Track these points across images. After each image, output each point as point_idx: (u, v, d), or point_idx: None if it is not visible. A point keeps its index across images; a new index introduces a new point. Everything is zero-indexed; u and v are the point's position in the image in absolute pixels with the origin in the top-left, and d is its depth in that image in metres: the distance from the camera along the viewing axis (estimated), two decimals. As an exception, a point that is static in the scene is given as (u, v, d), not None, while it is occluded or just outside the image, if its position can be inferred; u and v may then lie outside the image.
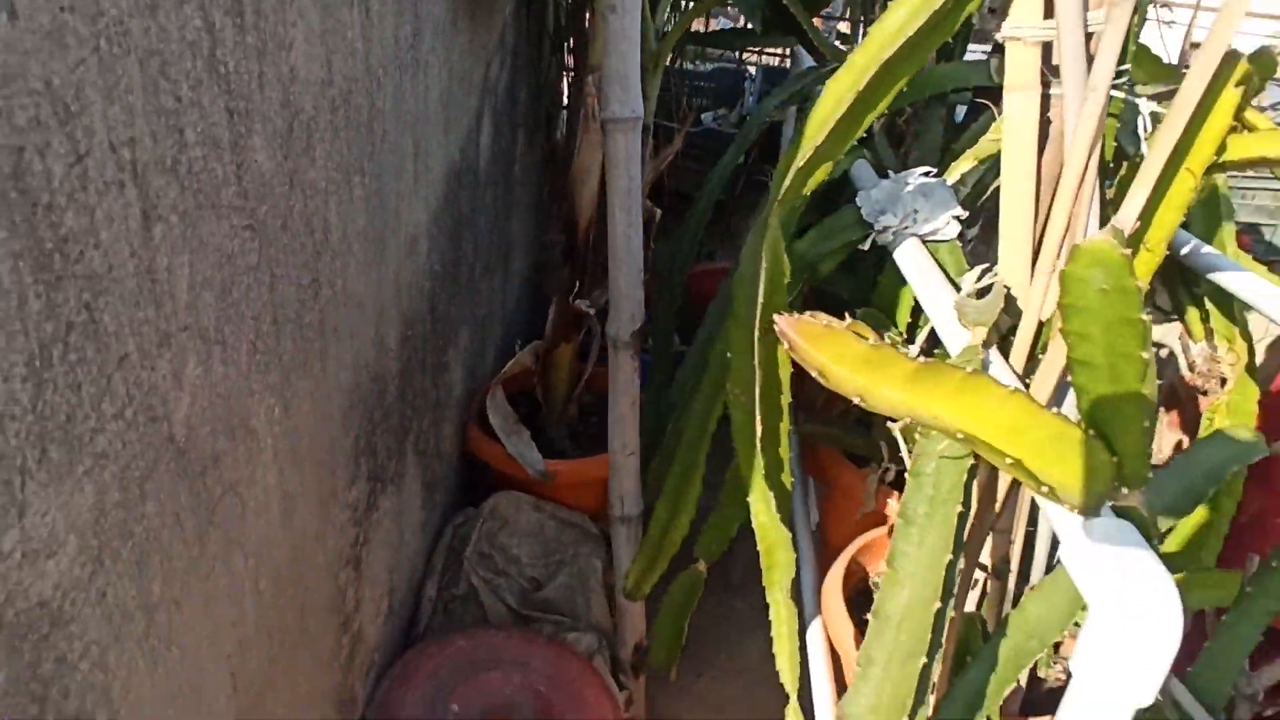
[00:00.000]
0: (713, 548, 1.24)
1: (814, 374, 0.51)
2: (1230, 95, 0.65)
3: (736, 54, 3.04)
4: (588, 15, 1.66)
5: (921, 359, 0.49)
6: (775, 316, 0.50)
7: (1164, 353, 1.76)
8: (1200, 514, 1.26)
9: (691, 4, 1.85)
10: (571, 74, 2.38)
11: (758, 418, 0.90)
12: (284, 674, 0.99)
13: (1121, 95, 0.79)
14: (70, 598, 0.56)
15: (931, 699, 0.59)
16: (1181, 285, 1.38)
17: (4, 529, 0.49)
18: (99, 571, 0.59)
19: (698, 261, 2.25)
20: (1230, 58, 0.62)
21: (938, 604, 0.57)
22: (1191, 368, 1.57)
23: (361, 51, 0.96)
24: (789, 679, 1.02)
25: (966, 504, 0.60)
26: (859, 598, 1.46)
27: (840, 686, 1.45)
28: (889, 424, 0.84)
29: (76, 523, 0.56)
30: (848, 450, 1.65)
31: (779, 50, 2.90)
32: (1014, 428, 0.50)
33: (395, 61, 1.09)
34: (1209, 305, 1.31)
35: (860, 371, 0.49)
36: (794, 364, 0.89)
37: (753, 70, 2.87)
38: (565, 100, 2.66)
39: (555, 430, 1.91)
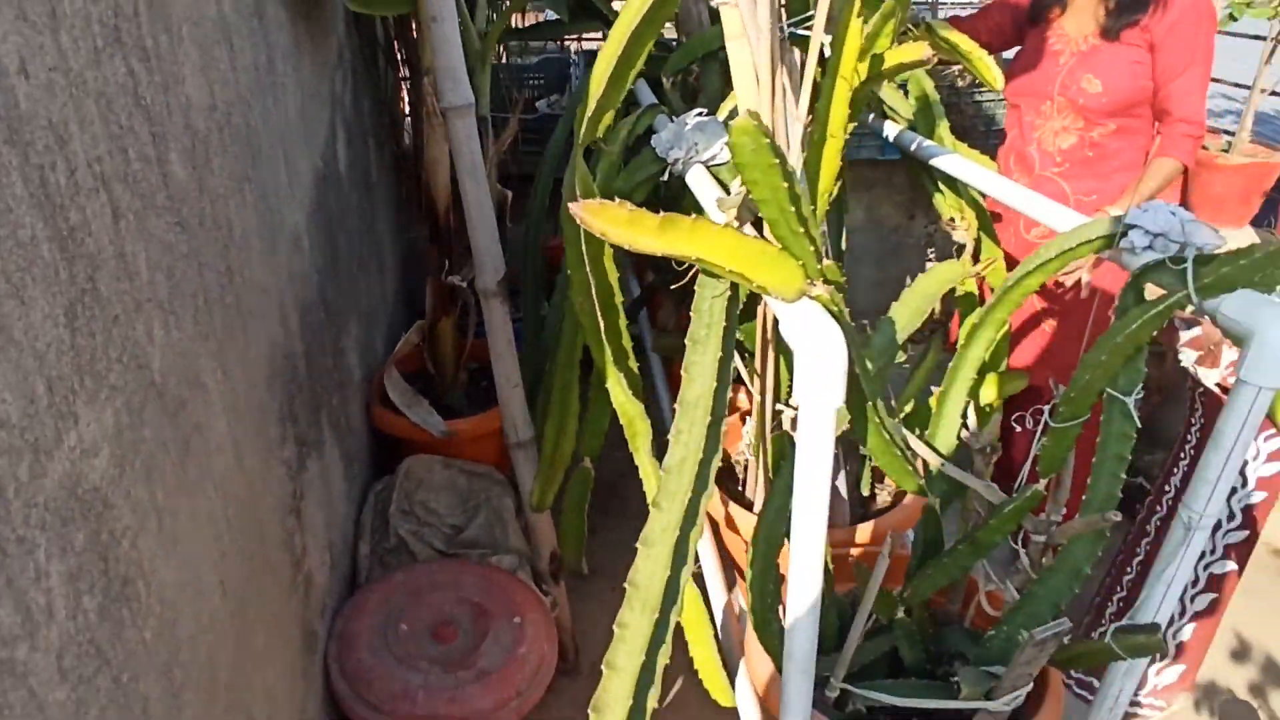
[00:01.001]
0: (592, 444, 1.50)
1: (599, 235, 0.78)
2: (855, 25, 0.96)
3: (559, 44, 3.31)
4: (415, 27, 1.88)
5: (662, 214, 0.77)
6: (569, 204, 0.77)
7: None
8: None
9: (506, 4, 2.10)
10: (408, 81, 2.59)
11: (599, 316, 1.17)
12: (256, 593, 1.21)
13: (808, 34, 1.09)
14: (111, 489, 0.78)
15: (722, 451, 0.88)
16: (926, 178, 1.73)
17: (68, 429, 0.71)
18: (124, 475, 0.81)
19: (552, 235, 2.51)
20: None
21: (716, 384, 0.86)
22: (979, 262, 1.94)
23: (233, 80, 1.18)
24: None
25: (730, 323, 0.89)
26: (723, 474, 1.77)
27: (719, 544, 1.75)
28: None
29: (106, 434, 0.78)
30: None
31: (597, 35, 3.18)
32: (730, 250, 0.78)
33: (258, 85, 1.30)
34: (943, 187, 1.67)
35: (626, 228, 0.77)
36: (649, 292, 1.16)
37: (576, 57, 3.15)
38: (407, 107, 2.86)
39: (450, 397, 2.14)
